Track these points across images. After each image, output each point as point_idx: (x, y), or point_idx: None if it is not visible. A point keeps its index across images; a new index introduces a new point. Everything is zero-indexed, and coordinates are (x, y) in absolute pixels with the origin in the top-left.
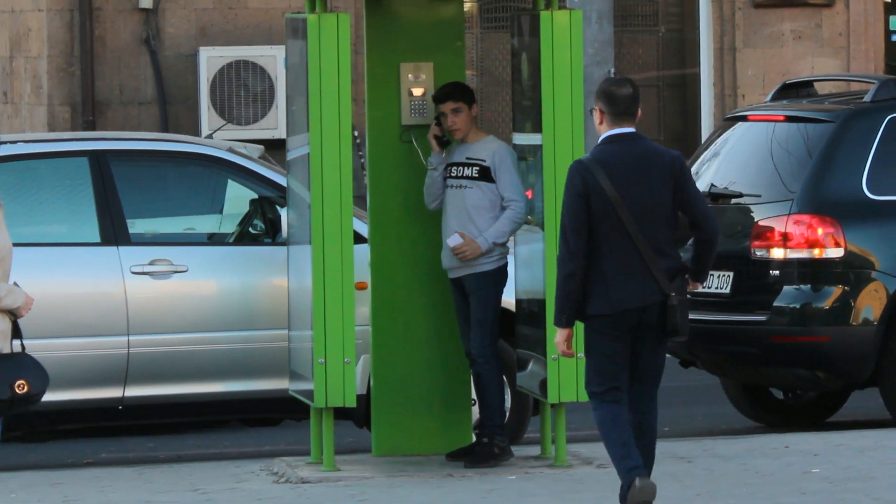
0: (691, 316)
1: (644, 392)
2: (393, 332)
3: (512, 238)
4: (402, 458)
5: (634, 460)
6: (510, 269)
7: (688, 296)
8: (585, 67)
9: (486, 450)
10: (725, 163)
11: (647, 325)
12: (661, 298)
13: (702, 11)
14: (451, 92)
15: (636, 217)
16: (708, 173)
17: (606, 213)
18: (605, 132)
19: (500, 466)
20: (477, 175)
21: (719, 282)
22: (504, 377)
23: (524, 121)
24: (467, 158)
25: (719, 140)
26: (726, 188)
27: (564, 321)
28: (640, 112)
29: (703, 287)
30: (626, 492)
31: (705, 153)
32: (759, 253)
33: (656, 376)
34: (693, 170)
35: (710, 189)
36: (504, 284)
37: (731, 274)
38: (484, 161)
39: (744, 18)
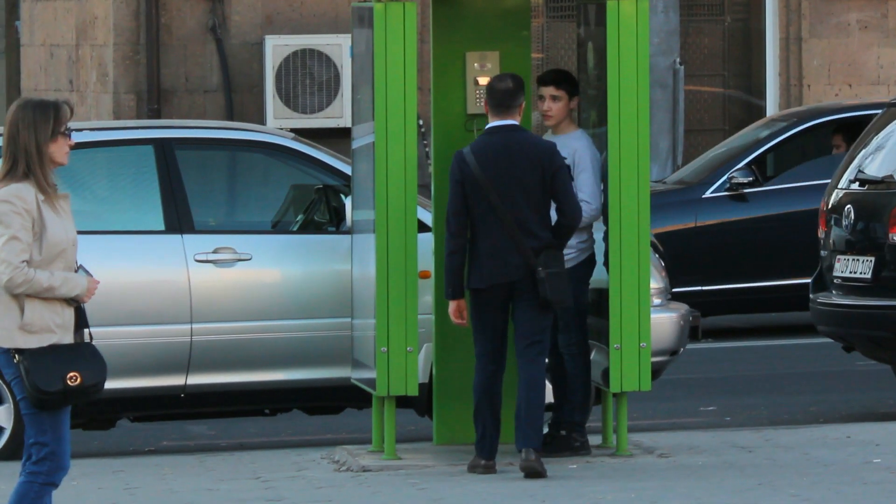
0: (843, 301)
1: (527, 349)
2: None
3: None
4: (463, 447)
5: (487, 442)
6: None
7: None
8: (651, 57)
9: (564, 441)
10: (882, 149)
11: (521, 295)
12: (529, 273)
13: (768, 1)
14: (556, 78)
15: (504, 200)
16: (863, 159)
17: (478, 198)
18: (489, 123)
19: (563, 456)
20: None
21: (862, 267)
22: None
23: (589, 110)
24: None
25: (881, 127)
26: (891, 175)
27: (450, 293)
28: (522, 104)
29: (849, 272)
30: (472, 461)
31: (867, 140)
32: (895, 238)
33: (537, 339)
34: (857, 162)
35: (856, 174)
36: (587, 280)
37: (873, 259)
38: (565, 158)
39: (810, 8)
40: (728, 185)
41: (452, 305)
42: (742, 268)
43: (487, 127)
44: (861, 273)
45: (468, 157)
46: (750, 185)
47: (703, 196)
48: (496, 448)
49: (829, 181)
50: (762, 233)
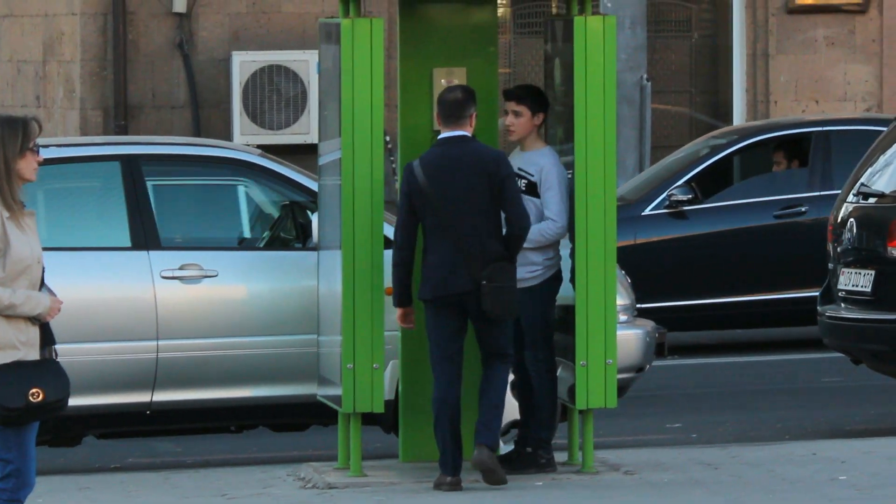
0: (846, 315)
1: (487, 358)
2: (421, 338)
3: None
4: (429, 464)
5: (449, 457)
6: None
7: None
8: (618, 73)
9: (530, 458)
10: (890, 165)
11: (471, 308)
12: (475, 286)
13: (735, 17)
14: (518, 94)
15: (451, 212)
16: (870, 175)
17: (427, 210)
18: (440, 134)
19: (529, 473)
20: (524, 189)
21: (863, 280)
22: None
23: (556, 126)
24: (519, 169)
25: (889, 144)
26: None
27: (396, 302)
28: (473, 115)
29: (851, 286)
30: (437, 479)
31: (873, 153)
32: (894, 252)
33: (499, 352)
34: (864, 177)
35: (858, 188)
36: (553, 297)
37: (873, 273)
38: (532, 176)
39: (777, 24)
40: (668, 203)
41: (399, 312)
42: (682, 285)
43: (438, 138)
44: (862, 286)
45: (416, 170)
46: (689, 202)
47: (643, 213)
48: (460, 464)
49: (769, 198)
50: (702, 250)
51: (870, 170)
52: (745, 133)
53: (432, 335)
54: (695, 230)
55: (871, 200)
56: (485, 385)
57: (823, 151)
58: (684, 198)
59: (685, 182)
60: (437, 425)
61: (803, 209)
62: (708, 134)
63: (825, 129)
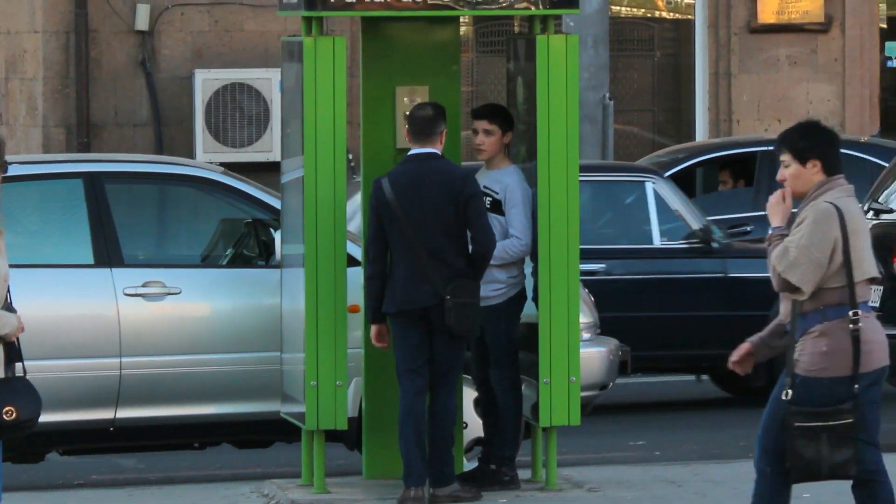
0: None
1: (438, 379)
2: (384, 355)
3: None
4: (392, 481)
5: (414, 468)
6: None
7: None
8: (581, 92)
9: (494, 475)
10: None
11: (434, 324)
12: (439, 301)
13: (697, 36)
14: (489, 112)
15: (416, 227)
16: (889, 195)
17: (392, 224)
18: (410, 151)
19: (493, 491)
20: (489, 206)
21: (873, 296)
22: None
23: (519, 145)
24: (484, 187)
25: None
26: None
27: (370, 317)
28: (443, 132)
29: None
30: (401, 495)
31: (892, 175)
32: None
33: (448, 369)
34: (884, 196)
35: (870, 205)
36: (517, 315)
37: (882, 288)
38: (497, 193)
39: (739, 44)
40: None
41: (374, 329)
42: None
43: (407, 154)
44: (872, 302)
45: (384, 185)
46: None
47: None
48: (424, 476)
49: (715, 217)
50: None
51: (888, 190)
52: (690, 152)
53: (397, 349)
54: None
55: (883, 217)
56: (432, 419)
57: (769, 170)
58: None
59: None
60: (402, 435)
61: (749, 228)
62: (653, 153)
63: (771, 148)
